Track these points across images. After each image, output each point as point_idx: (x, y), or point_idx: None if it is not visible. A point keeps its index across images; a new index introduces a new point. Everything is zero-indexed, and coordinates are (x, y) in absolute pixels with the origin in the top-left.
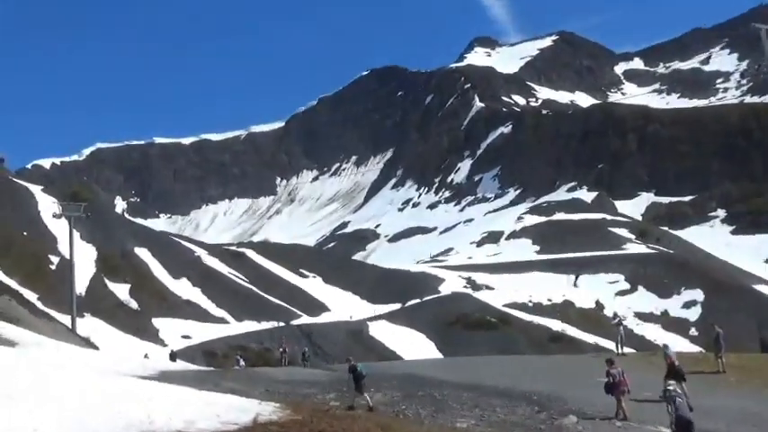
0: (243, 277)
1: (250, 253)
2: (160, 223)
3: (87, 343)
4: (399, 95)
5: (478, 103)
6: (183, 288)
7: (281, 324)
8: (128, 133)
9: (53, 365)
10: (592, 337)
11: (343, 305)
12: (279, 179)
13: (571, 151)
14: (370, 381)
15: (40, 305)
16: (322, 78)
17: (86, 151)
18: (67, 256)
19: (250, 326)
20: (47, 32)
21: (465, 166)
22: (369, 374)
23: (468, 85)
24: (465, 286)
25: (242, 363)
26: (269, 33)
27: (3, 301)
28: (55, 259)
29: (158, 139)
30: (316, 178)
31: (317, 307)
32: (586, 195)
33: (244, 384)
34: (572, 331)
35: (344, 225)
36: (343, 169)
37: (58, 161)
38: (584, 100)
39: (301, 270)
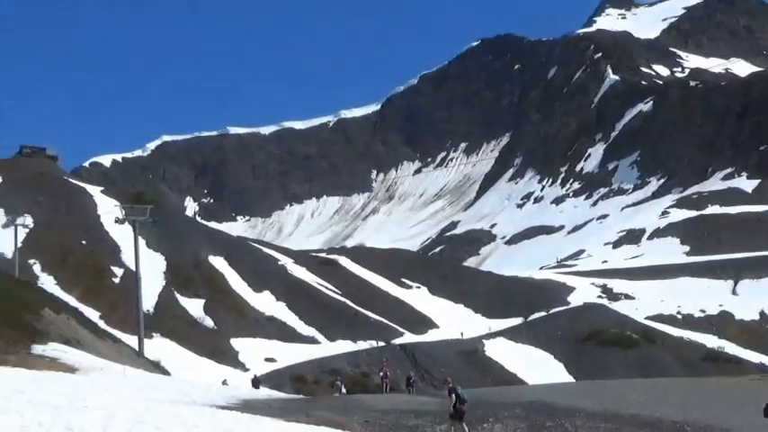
0: (335, 289)
1: (343, 260)
2: (237, 227)
3: (157, 367)
4: (516, 69)
5: (612, 76)
6: (266, 303)
7: (381, 344)
8: (198, 123)
9: (118, 394)
10: (756, 356)
11: (453, 320)
12: (374, 173)
13: (726, 131)
14: (488, 409)
15: (102, 324)
16: (423, 52)
17: (151, 145)
18: (132, 268)
19: (344, 346)
20: (104, 19)
21: (597, 152)
22: (472, 401)
23: (599, 55)
24: (599, 296)
25: (343, 389)
26: (359, 4)
27: (61, 321)
28: (118, 271)
29: (233, 129)
30: (418, 171)
31: (422, 323)
32: (746, 184)
33: (339, 414)
34: (731, 348)
35: (453, 225)
36: (451, 159)
37: (119, 157)
38: (741, 68)
39: (403, 280)
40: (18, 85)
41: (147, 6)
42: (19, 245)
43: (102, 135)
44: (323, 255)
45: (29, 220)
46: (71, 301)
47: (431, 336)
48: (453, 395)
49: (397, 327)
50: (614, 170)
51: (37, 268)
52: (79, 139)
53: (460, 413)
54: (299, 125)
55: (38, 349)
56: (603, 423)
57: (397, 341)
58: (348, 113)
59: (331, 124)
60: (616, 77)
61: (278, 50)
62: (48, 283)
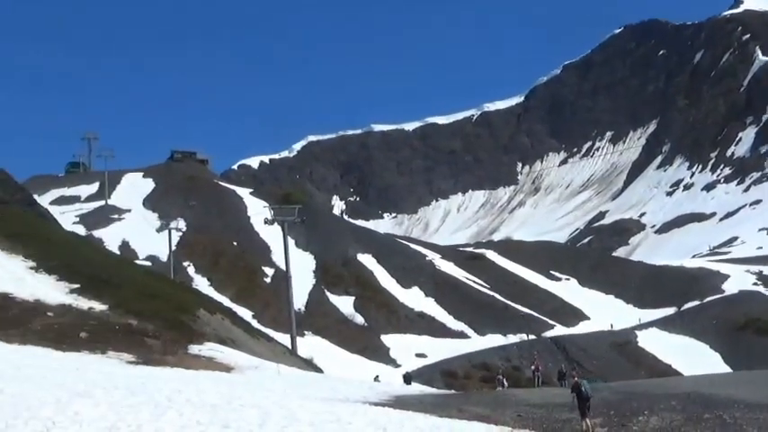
0: (483, 283)
1: (490, 254)
2: (384, 224)
3: (309, 365)
4: (661, 55)
5: (761, 57)
6: (415, 299)
7: (531, 337)
8: (342, 122)
9: (273, 392)
10: None
11: (604, 312)
12: (520, 165)
13: None
14: (643, 402)
15: (255, 323)
16: (565, 41)
17: (297, 146)
18: (283, 267)
19: (494, 340)
20: (243, 25)
21: (748, 136)
22: (625, 393)
23: (748, 36)
24: (755, 283)
25: (505, 383)
26: None
27: (215, 321)
28: (269, 271)
29: (377, 127)
30: (564, 161)
31: (572, 315)
32: None
33: (491, 409)
34: None
35: (601, 216)
36: (597, 149)
37: (266, 159)
38: None
39: (552, 272)
40: (170, 91)
41: (293, 14)
42: (173, 248)
43: (249, 137)
44: (470, 249)
45: (182, 224)
46: (225, 301)
47: (582, 328)
48: (575, 393)
49: (547, 319)
50: (766, 154)
51: (191, 270)
52: (227, 143)
53: (584, 409)
54: (442, 120)
55: (194, 349)
56: (764, 414)
57: (548, 334)
58: (491, 106)
59: (474, 118)
60: (766, 59)
61: (418, 45)
62: (202, 284)
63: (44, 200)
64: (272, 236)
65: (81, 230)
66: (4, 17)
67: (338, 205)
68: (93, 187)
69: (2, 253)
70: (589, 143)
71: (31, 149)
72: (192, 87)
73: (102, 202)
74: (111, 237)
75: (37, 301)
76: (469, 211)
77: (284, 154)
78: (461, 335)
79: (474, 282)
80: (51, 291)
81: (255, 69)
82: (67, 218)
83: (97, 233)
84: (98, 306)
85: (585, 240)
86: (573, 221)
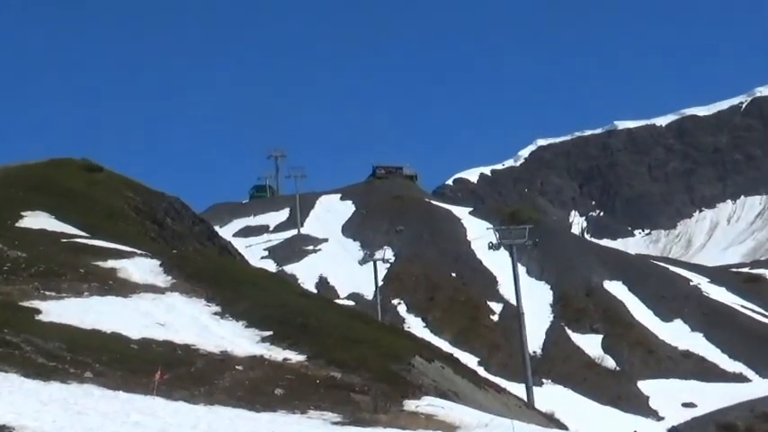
0: (765, 312)
1: None
2: (636, 243)
3: (551, 420)
4: None
5: None
6: (678, 334)
7: None
8: (578, 121)
9: None
10: None
11: None
12: None
13: None
14: None
15: (481, 371)
16: None
17: (524, 153)
18: (513, 302)
19: None
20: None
21: None
22: None
23: None
24: None
25: None
26: None
27: (434, 370)
28: (496, 307)
29: (621, 124)
30: None
31: None
32: None
33: None
34: None
35: None
36: None
37: (487, 171)
38: None
39: None
40: (368, 97)
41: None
42: (379, 283)
43: (465, 147)
44: (746, 270)
45: (389, 254)
46: (444, 345)
47: None
48: None
49: None
50: None
51: (402, 309)
52: (439, 154)
53: None
54: (702, 111)
55: (411, 405)
56: None
57: None
58: (765, 90)
59: (744, 106)
60: None
61: (667, 23)
62: (415, 325)
63: (227, 231)
64: (498, 263)
65: (270, 266)
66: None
67: (577, 222)
68: (283, 214)
69: (181, 296)
70: None
71: (209, 174)
72: (392, 91)
73: (293, 232)
74: (305, 272)
75: (224, 353)
76: (743, 222)
77: (508, 163)
78: (739, 377)
79: (753, 311)
80: (240, 340)
81: (468, 65)
82: (254, 251)
83: (289, 268)
84: (294, 357)
85: None
86: None
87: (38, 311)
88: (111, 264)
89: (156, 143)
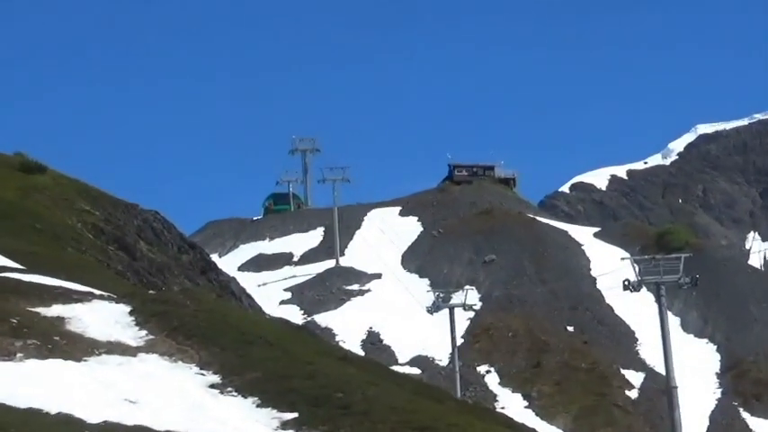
0: None
1: None
2: None
3: None
4: None
5: None
6: None
7: None
8: (759, 99)
9: None
10: None
11: None
12: None
13: None
14: None
15: None
16: None
17: (677, 145)
18: (659, 370)
19: None
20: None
21: None
22: None
23: None
24: None
25: None
26: None
27: None
28: (634, 377)
29: None
30: None
31: None
32: None
33: None
34: None
35: None
36: None
37: (620, 171)
38: None
39: None
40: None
41: None
42: (458, 340)
43: (586, 136)
44: None
45: (472, 296)
46: None
47: None
48: None
49: None
50: None
51: (492, 379)
52: (546, 148)
53: None
54: None
55: None
56: None
57: None
58: None
59: None
60: None
61: None
62: (513, 404)
63: (230, 262)
64: (637, 312)
65: (295, 314)
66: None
67: (758, 249)
68: (314, 237)
69: (161, 360)
70: None
71: (205, 178)
72: (469, 63)
73: (329, 263)
74: (347, 324)
75: None
76: None
77: (654, 160)
78: None
79: None
80: (249, 425)
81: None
82: (271, 292)
83: (323, 319)
84: None
85: None
86: None
87: None
88: (56, 311)
89: (127, 135)
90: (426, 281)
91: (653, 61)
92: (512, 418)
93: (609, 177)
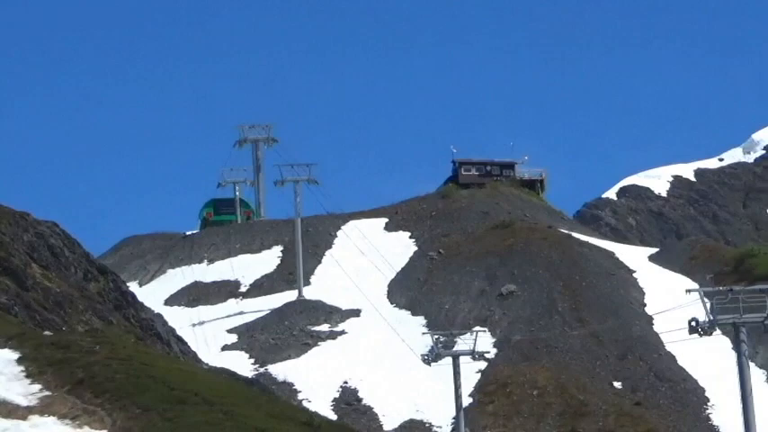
0: None
1: None
2: None
3: None
4: None
5: None
6: None
7: None
8: None
9: None
10: None
11: None
12: None
13: None
14: None
15: None
16: None
17: (762, 136)
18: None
19: None
20: None
21: None
22: None
23: None
24: None
25: None
26: None
27: None
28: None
29: None
30: None
31: None
32: None
33: None
34: None
35: None
36: None
37: (685, 171)
38: None
39: None
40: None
41: None
42: (465, 397)
43: (637, 126)
44: None
45: (484, 341)
46: None
47: None
48: None
49: None
50: None
51: None
52: (584, 140)
53: None
54: None
55: None
56: None
57: None
58: None
59: None
60: None
61: None
62: None
63: (153, 292)
64: (707, 362)
65: (243, 363)
66: None
67: None
68: (270, 258)
69: (61, 425)
70: None
71: (121, 177)
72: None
73: (289, 295)
74: (314, 377)
75: None
76: None
77: (730, 157)
78: None
79: None
80: None
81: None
82: (210, 334)
83: (281, 369)
84: None
85: None
86: None
87: None
88: None
89: (14, 130)
90: (421, 319)
91: (736, 30)
92: None
93: (671, 179)
